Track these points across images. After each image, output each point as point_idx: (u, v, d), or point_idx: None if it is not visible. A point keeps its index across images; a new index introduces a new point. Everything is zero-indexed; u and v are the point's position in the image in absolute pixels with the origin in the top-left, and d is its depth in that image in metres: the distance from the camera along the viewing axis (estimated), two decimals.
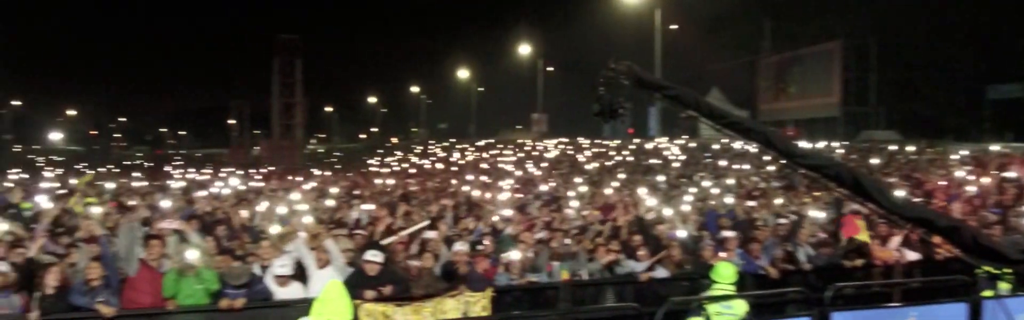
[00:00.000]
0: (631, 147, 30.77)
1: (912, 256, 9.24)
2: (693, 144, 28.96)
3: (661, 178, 16.95)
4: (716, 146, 26.30)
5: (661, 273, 8.42)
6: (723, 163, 20.29)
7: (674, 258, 8.62)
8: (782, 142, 4.01)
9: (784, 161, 3.92)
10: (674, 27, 39.59)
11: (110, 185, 14.98)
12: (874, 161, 18.29)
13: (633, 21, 38.66)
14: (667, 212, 10.58)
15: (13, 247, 7.51)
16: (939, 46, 32.41)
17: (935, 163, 17.97)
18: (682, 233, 9.44)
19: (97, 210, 9.17)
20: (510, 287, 7.87)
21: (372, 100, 79.93)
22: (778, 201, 11.89)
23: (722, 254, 8.67)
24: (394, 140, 66.66)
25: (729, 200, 12.18)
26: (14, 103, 63.47)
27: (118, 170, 32.16)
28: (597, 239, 9.21)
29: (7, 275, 6.51)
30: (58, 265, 6.85)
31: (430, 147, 48.62)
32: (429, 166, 29.30)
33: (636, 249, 8.72)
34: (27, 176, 23.27)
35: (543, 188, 15.04)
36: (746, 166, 18.95)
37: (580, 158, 26.60)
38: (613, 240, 9.09)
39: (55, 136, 74.21)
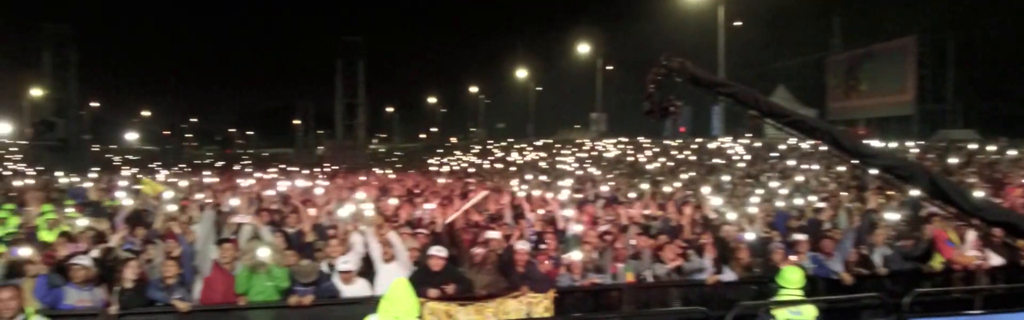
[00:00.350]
0: (693, 147, 30.26)
1: (996, 261, 8.79)
2: (758, 143, 28.24)
3: (726, 178, 16.60)
4: (783, 146, 25.58)
5: (729, 276, 8.22)
6: (791, 163, 19.72)
7: (742, 261, 8.40)
8: (850, 141, 3.84)
9: (853, 161, 3.75)
10: (738, 24, 38.68)
11: (183, 183, 15.52)
12: (952, 161, 17.51)
13: (695, 18, 37.93)
14: (733, 213, 10.34)
15: (95, 242, 7.84)
16: (1021, 41, 30.80)
17: (1018, 163, 17.10)
18: (750, 235, 9.20)
19: (173, 207, 9.48)
20: (573, 288, 7.81)
21: (432, 100, 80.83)
22: (850, 203, 11.49)
23: (793, 257, 8.41)
24: (453, 140, 67.17)
25: (798, 201, 11.83)
26: (93, 105, 66.58)
27: (189, 169, 33.31)
28: (661, 237, 9.06)
29: (89, 269, 6.79)
30: (136, 260, 7.11)
31: (488, 147, 48.81)
32: (488, 166, 29.41)
33: (702, 249, 8.54)
34: (106, 174, 24.28)
35: (603, 188, 14.90)
36: (815, 166, 18.38)
37: (640, 158, 26.29)
38: (676, 239, 8.92)
39: (131, 136, 77.42)
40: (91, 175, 21.56)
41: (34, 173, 25.39)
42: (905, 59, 37.06)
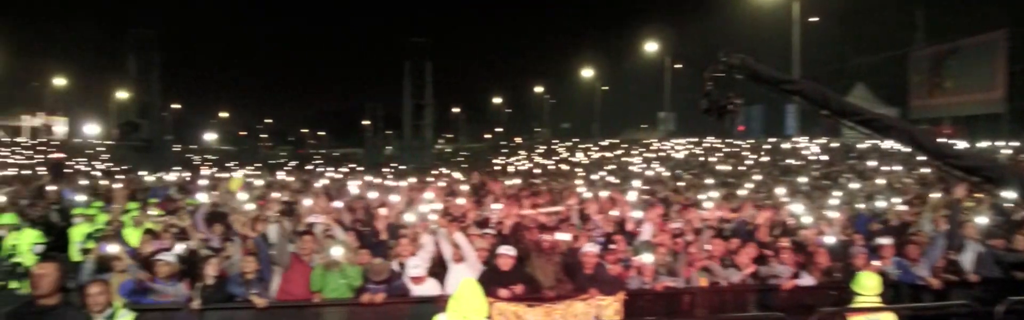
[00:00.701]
0: (766, 147, 29.45)
1: None
2: (835, 144, 27.24)
3: (802, 180, 16.05)
4: (862, 145, 24.61)
5: (807, 280, 7.93)
6: (871, 164, 18.95)
7: (821, 265, 8.09)
8: (931, 141, 3.60)
9: (936, 162, 3.51)
10: (814, 19, 37.37)
11: (259, 182, 15.97)
12: None
13: (769, 14, 36.84)
14: (808, 216, 9.99)
15: (178, 239, 8.13)
16: None
17: None
18: (829, 238, 8.85)
19: (250, 207, 9.75)
20: (643, 291, 7.66)
21: (497, 100, 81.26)
22: (935, 206, 10.93)
23: (876, 262, 8.05)
24: (518, 140, 67.30)
25: (880, 204, 11.33)
26: (174, 107, 69.66)
27: (265, 168, 34.37)
28: (735, 240, 8.81)
29: (173, 265, 7.04)
30: (216, 257, 7.34)
31: (553, 147, 48.68)
32: (553, 166, 29.30)
33: (779, 252, 8.26)
34: (187, 173, 25.26)
35: (673, 191, 14.62)
36: (897, 167, 17.61)
37: (710, 158, 25.75)
38: (751, 243, 8.66)
39: (210, 136, 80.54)
40: (173, 174, 22.44)
41: (120, 172, 26.61)
42: (994, 54, 35.12)
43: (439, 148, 65.62)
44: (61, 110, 59.33)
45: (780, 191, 12.74)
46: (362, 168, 30.04)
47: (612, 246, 8.47)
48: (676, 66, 49.77)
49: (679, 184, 15.81)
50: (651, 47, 50.64)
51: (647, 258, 7.86)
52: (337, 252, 7.46)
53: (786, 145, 29.60)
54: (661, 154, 31.11)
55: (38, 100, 57.49)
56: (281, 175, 21.73)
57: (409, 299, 7.32)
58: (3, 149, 39.84)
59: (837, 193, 13.18)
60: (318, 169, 29.16)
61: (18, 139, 49.99)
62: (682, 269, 8.03)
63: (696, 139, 35.96)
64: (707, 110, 4.23)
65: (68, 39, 53.99)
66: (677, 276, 7.96)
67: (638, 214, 10.22)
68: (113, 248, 7.19)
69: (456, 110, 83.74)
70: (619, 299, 7.33)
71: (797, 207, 10.66)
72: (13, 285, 7.38)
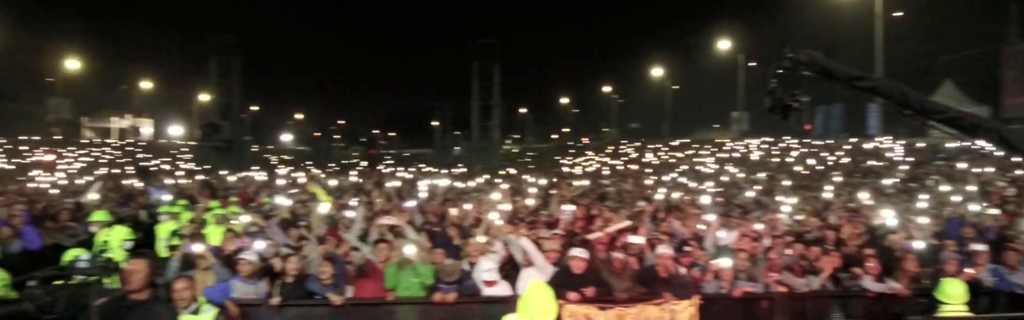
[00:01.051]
0: (846, 147, 28.35)
1: None
2: (921, 144, 25.98)
3: (887, 182, 15.35)
4: (951, 146, 23.40)
5: (894, 288, 7.55)
6: (961, 165, 17.99)
7: (909, 272, 7.70)
8: (1022, 141, 3.33)
9: None
10: (898, 14, 35.70)
11: (333, 182, 16.34)
12: None
13: (849, 9, 35.41)
14: (893, 220, 9.54)
15: (258, 238, 8.35)
16: None
17: None
18: (919, 244, 8.42)
19: (325, 207, 9.95)
20: (720, 296, 7.46)
21: (565, 101, 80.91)
22: None
23: (969, 270, 7.61)
24: (585, 140, 66.84)
25: (973, 207, 10.73)
26: (253, 108, 72.16)
27: (338, 168, 35.19)
28: (815, 247, 8.48)
29: (254, 264, 7.24)
30: (296, 256, 7.52)
31: (622, 147, 48.13)
32: (621, 167, 28.94)
33: (864, 259, 7.90)
34: (264, 173, 26.09)
35: (749, 193, 14.19)
36: (989, 169, 16.67)
37: (787, 159, 24.95)
38: (834, 248, 8.32)
39: (286, 137, 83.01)
40: (251, 173, 23.19)
41: (202, 171, 27.67)
42: None
43: (506, 149, 65.82)
44: (147, 112, 62.20)
45: (864, 195, 12.20)
46: (431, 169, 30.36)
47: (687, 249, 8.28)
48: (750, 64, 48.41)
49: (755, 186, 15.34)
50: (724, 45, 49.45)
51: (725, 262, 7.65)
52: (409, 251, 7.55)
53: (868, 145, 28.39)
54: (735, 155, 30.31)
55: (126, 103, 60.44)
56: (353, 175, 22.17)
57: (479, 299, 7.34)
58: (94, 149, 42.00)
59: (924, 196, 12.56)
60: (388, 169, 29.66)
61: (108, 140, 52.64)
62: (761, 274, 7.78)
63: (771, 139, 34.88)
64: (771, 108, 4.05)
65: (153, 45, 56.60)
66: (756, 281, 7.72)
67: (710, 217, 9.98)
68: (198, 247, 7.45)
69: (523, 110, 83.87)
70: (694, 304, 7.14)
71: (885, 211, 10.18)
72: (105, 280, 7.71)
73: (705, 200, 12.02)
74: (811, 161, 23.12)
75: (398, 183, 17.29)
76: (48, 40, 48.37)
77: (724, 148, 34.85)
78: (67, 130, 50.10)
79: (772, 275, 7.66)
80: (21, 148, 36.89)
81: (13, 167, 27.34)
